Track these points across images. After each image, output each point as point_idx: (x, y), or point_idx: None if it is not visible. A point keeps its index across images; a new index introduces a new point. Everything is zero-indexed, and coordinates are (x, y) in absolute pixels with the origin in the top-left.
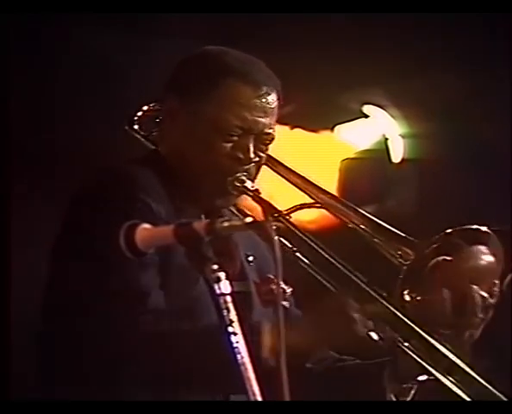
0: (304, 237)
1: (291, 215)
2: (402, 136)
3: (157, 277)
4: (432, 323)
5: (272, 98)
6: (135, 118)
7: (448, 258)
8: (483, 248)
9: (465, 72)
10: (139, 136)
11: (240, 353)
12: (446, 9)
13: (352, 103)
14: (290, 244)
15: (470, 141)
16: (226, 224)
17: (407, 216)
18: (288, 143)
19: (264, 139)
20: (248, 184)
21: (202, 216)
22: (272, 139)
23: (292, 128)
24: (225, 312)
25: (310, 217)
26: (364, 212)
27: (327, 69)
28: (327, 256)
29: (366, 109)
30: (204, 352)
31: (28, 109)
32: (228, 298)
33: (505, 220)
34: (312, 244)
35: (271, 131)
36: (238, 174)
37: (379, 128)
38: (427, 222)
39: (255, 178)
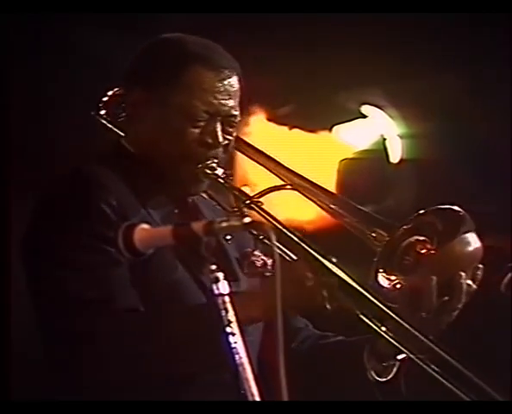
0: (275, 222)
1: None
2: (401, 136)
3: (126, 276)
4: (415, 308)
5: (234, 80)
6: (101, 104)
7: (421, 238)
8: (470, 235)
9: (464, 72)
10: (105, 122)
11: (238, 353)
12: (446, 9)
13: (350, 104)
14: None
15: (468, 142)
16: (224, 224)
17: (405, 216)
18: (286, 143)
19: (230, 121)
20: (219, 171)
21: (173, 204)
22: (238, 121)
23: (290, 129)
24: (223, 313)
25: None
26: (336, 194)
27: (325, 69)
28: (297, 240)
29: (365, 109)
30: (192, 331)
31: (28, 108)
32: (227, 299)
33: (504, 220)
34: (283, 230)
35: (236, 113)
36: (208, 162)
37: (378, 129)
38: None
39: (225, 163)
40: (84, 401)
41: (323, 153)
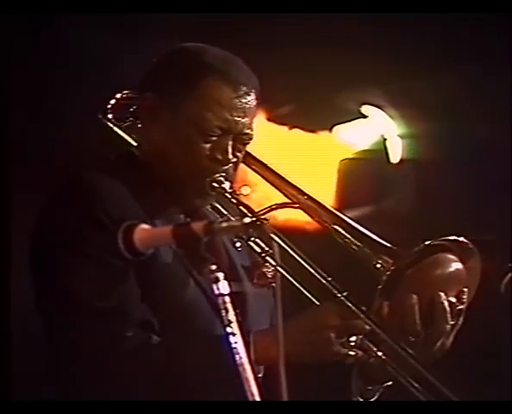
0: (279, 240)
1: (271, 216)
2: (401, 137)
3: (135, 288)
4: (402, 331)
5: (251, 98)
6: (109, 107)
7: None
8: (448, 256)
9: (464, 73)
10: (112, 125)
11: (238, 353)
12: (446, 9)
13: (350, 104)
14: (266, 246)
15: (468, 142)
16: (224, 225)
17: (405, 216)
18: (286, 144)
19: (242, 139)
20: (226, 185)
21: (181, 216)
22: (250, 138)
23: (291, 129)
24: (223, 313)
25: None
26: (344, 217)
27: (325, 69)
28: (301, 261)
29: (365, 109)
30: (204, 360)
31: (28, 108)
32: (227, 299)
33: (504, 220)
34: (287, 248)
35: (249, 131)
36: (216, 175)
37: (378, 129)
38: (425, 222)
39: (233, 177)
40: (84, 401)
41: (323, 153)
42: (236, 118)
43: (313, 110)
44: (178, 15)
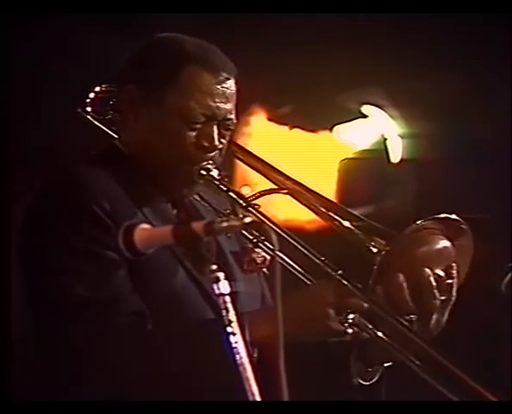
0: (274, 226)
1: (272, 215)
2: (401, 136)
3: (127, 279)
4: (395, 310)
5: (231, 83)
6: (88, 100)
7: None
8: (432, 234)
9: (464, 72)
10: (92, 119)
11: (238, 353)
12: (446, 9)
13: (350, 103)
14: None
15: (469, 142)
16: (225, 224)
17: (405, 216)
18: (287, 143)
19: (226, 125)
20: (214, 172)
21: (169, 205)
22: (234, 124)
23: (291, 129)
24: (224, 312)
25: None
26: (333, 201)
27: (325, 69)
28: (296, 244)
29: (365, 109)
30: (194, 348)
31: (28, 109)
32: (227, 299)
33: (504, 219)
34: (281, 233)
35: (232, 117)
36: (203, 163)
37: (378, 129)
38: None
39: (220, 164)
40: (84, 401)
41: (324, 153)
42: (219, 104)
43: (313, 110)
44: (178, 15)
